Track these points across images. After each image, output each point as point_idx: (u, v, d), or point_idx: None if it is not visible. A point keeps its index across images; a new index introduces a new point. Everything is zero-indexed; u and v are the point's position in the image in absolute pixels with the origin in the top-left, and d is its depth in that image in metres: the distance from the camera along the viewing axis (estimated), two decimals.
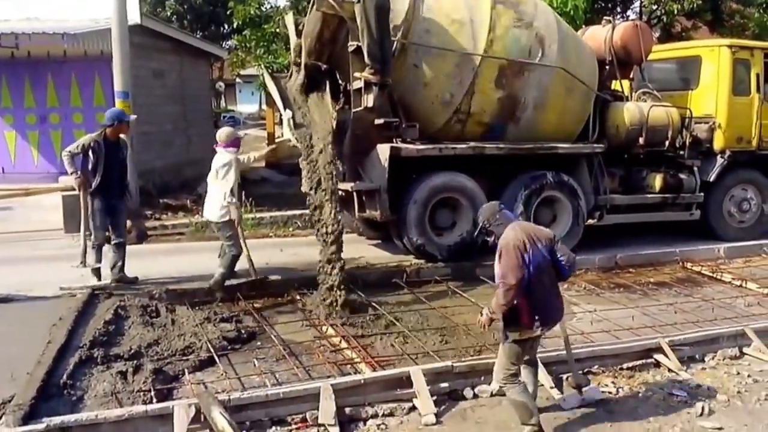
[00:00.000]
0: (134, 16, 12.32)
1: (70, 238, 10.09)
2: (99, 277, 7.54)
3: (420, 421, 4.72)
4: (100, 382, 5.17)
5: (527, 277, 4.32)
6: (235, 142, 7.57)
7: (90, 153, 7.33)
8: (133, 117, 8.11)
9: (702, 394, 5.18)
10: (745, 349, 6.02)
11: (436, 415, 4.76)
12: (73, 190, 9.82)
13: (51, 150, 14.27)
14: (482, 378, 5.21)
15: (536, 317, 4.40)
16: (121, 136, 7.66)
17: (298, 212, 10.93)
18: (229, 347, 6.05)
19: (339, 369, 5.57)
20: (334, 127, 7.55)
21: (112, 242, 7.60)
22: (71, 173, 7.34)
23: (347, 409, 4.78)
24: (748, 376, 5.53)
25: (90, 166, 7.36)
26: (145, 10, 16.17)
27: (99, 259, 7.56)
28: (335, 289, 6.92)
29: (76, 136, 13.70)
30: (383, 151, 8.08)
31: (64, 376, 5.17)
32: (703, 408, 4.89)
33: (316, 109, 8.00)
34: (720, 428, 4.67)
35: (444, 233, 8.66)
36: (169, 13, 24.08)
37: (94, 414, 4.43)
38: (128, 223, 8.65)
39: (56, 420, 4.31)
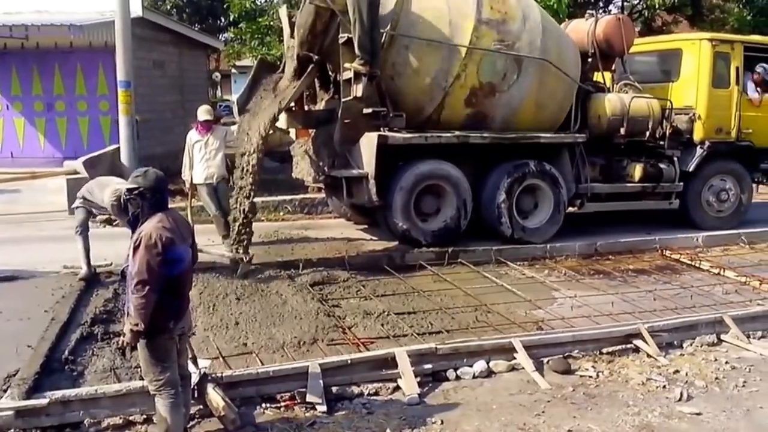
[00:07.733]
0: (136, 9, 12.29)
1: (73, 219, 9.99)
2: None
3: (404, 400, 4.67)
4: (100, 358, 5.16)
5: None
6: (202, 125, 8.07)
7: None
8: None
9: (680, 380, 5.07)
10: (723, 336, 5.89)
11: (420, 395, 4.71)
12: (77, 173, 9.79)
13: (56, 136, 14.19)
14: (464, 360, 5.15)
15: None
16: None
17: (288, 197, 10.81)
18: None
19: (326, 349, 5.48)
20: (261, 144, 7.50)
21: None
22: None
23: (334, 388, 4.72)
24: (726, 362, 5.41)
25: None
26: (147, 4, 16.06)
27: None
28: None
29: (80, 123, 13.84)
30: (371, 139, 7.98)
31: (66, 352, 5.17)
32: (681, 393, 4.77)
33: (260, 113, 7.89)
34: (699, 413, 4.55)
35: (428, 219, 8.56)
36: (169, 7, 23.93)
37: (93, 389, 4.42)
38: None
39: (58, 394, 4.29)
